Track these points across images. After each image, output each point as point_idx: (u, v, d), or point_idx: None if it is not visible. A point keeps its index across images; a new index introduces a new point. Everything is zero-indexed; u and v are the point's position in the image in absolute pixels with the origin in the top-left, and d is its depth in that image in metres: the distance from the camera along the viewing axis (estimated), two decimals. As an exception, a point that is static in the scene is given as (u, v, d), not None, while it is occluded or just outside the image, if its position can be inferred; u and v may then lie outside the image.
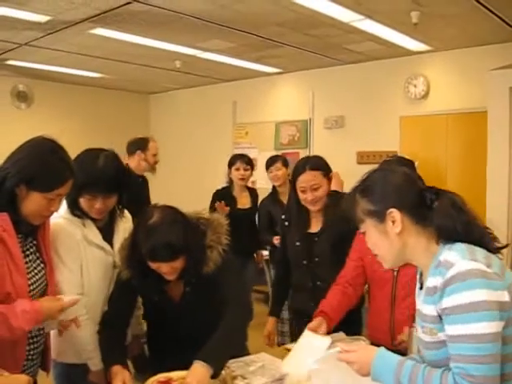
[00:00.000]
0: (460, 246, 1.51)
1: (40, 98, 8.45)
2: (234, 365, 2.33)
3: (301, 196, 2.96)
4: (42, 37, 5.73)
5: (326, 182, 2.96)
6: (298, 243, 3.04)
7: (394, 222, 1.58)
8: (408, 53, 6.32)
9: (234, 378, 2.21)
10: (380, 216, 1.60)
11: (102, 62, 7.07)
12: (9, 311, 1.84)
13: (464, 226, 1.54)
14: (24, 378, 1.68)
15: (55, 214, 2.18)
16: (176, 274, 2.24)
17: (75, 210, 2.39)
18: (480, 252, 1.49)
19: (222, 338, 2.16)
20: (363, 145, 6.94)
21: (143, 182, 5.04)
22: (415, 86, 6.47)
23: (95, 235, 2.49)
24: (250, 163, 5.04)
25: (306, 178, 2.92)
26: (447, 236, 1.55)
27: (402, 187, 1.61)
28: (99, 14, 4.93)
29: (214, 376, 2.10)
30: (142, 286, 2.33)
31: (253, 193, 5.21)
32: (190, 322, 2.32)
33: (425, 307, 1.55)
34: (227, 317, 2.23)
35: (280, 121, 7.94)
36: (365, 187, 1.67)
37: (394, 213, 1.57)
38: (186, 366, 2.13)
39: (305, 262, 3.01)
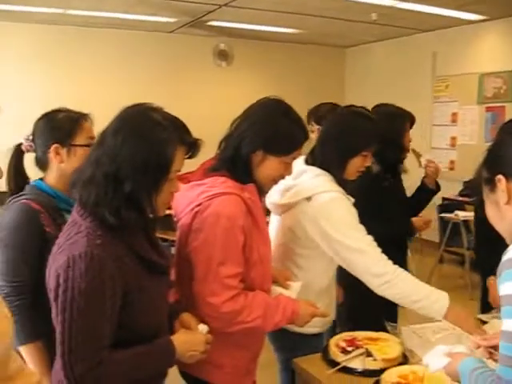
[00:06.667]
0: None
1: (239, 56, 8.76)
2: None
3: None
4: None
5: None
6: None
7: (503, 191, 1.36)
8: None
9: None
10: (490, 183, 1.40)
11: (297, 17, 7.08)
12: (273, 303, 1.93)
13: None
14: None
15: None
16: None
17: None
18: None
19: None
20: None
21: None
22: None
23: None
24: None
25: None
26: None
27: None
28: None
29: None
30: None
31: None
32: None
33: None
34: None
35: (484, 72, 7.34)
36: (487, 153, 1.47)
37: (502, 180, 1.35)
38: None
39: None
